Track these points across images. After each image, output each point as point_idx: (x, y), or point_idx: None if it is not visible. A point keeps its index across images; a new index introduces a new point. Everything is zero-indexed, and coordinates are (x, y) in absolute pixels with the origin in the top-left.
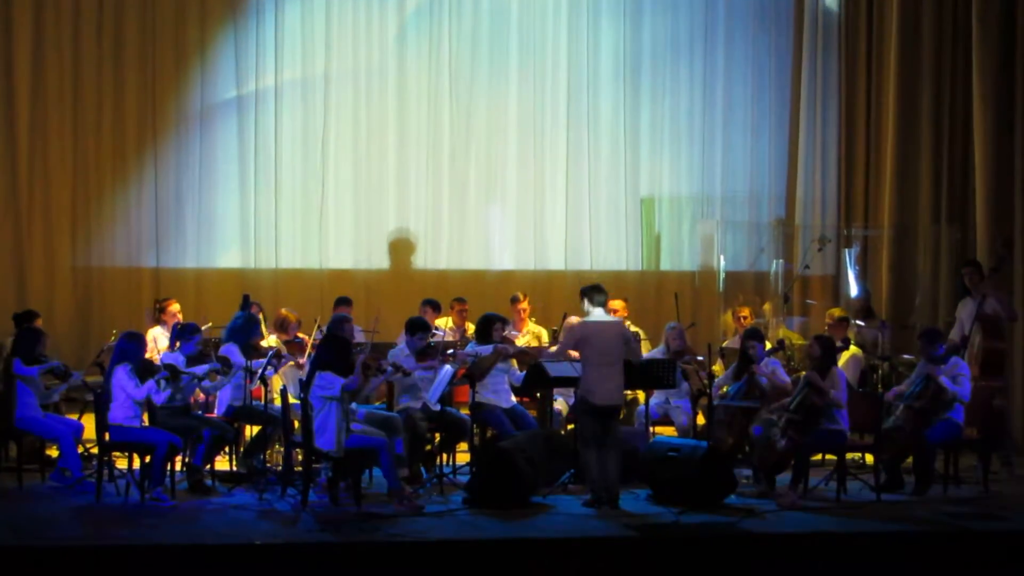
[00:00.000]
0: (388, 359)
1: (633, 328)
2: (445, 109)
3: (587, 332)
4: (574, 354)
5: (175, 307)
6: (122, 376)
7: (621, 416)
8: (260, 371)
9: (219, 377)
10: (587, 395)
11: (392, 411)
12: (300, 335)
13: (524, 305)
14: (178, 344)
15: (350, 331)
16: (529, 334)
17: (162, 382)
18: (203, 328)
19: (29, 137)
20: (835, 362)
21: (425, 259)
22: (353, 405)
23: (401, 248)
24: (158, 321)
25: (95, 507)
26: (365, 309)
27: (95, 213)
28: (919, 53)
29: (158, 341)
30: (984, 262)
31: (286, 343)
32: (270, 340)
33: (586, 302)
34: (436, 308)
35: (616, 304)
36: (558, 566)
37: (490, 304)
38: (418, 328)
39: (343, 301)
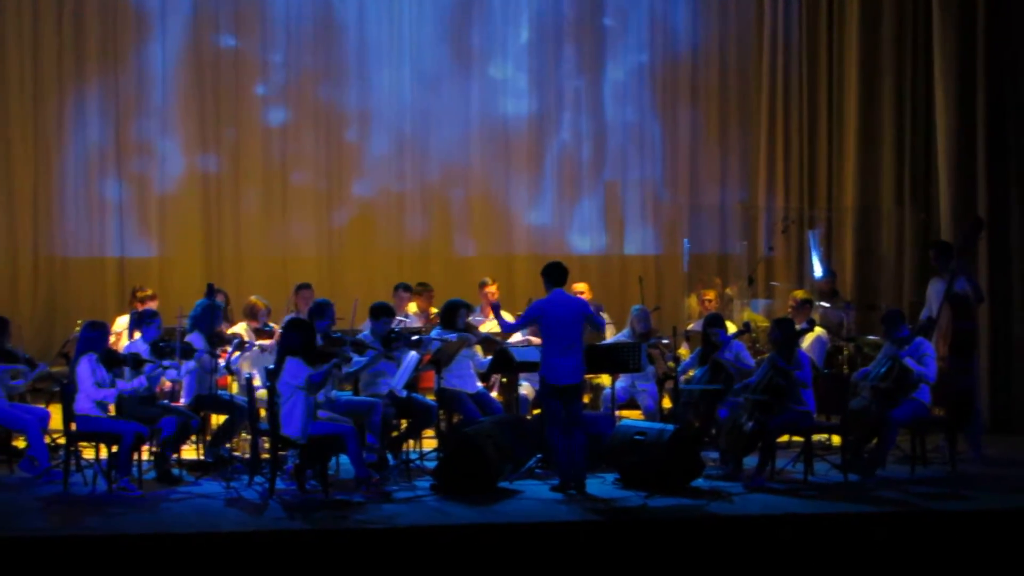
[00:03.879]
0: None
1: None
2: (407, 92)
3: (547, 311)
4: (536, 341)
5: (155, 304)
6: (85, 368)
7: (587, 400)
8: (227, 360)
9: (183, 363)
10: (548, 375)
11: (359, 396)
12: (270, 323)
13: (492, 289)
14: (138, 333)
15: (332, 315)
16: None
17: (133, 378)
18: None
19: None
20: (798, 344)
21: (388, 244)
22: (334, 393)
23: (364, 233)
24: (132, 310)
25: (63, 497)
26: (329, 294)
27: (58, 203)
28: (880, 35)
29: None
30: (950, 242)
31: (255, 331)
32: (238, 327)
33: (547, 281)
34: (408, 290)
35: (580, 287)
36: (526, 551)
37: (454, 289)
38: (382, 313)
39: (304, 286)
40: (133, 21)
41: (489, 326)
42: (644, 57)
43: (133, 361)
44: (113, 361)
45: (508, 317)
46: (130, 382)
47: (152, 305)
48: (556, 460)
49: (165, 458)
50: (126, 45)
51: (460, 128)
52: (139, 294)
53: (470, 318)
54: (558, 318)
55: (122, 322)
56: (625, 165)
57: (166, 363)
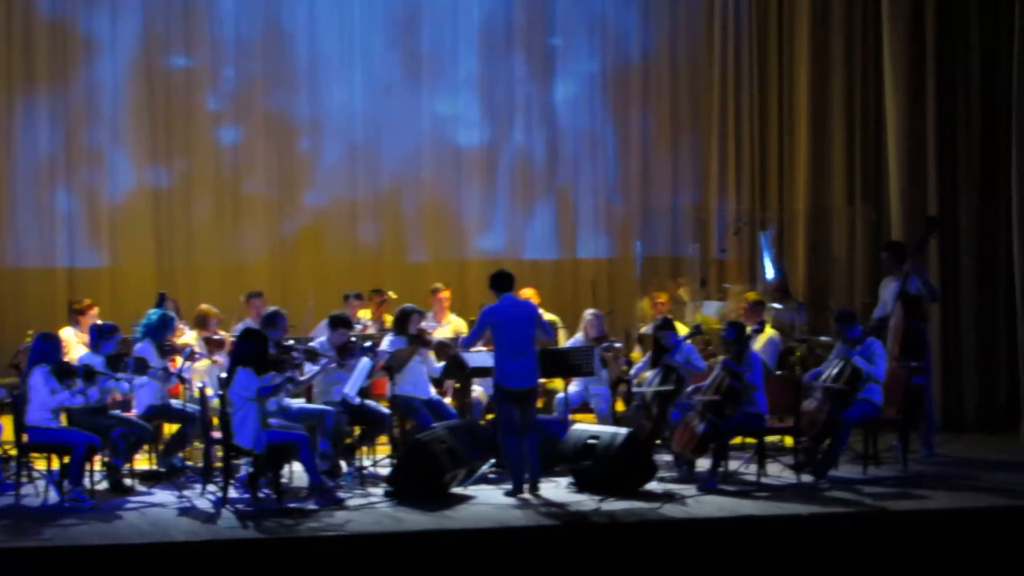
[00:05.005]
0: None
1: (549, 316)
2: (358, 97)
3: (498, 317)
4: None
5: (95, 311)
6: (38, 379)
7: (540, 404)
8: (178, 370)
9: (136, 378)
10: (501, 379)
11: (312, 404)
12: (220, 332)
13: (445, 295)
14: (98, 345)
15: (284, 325)
16: (449, 325)
17: (77, 394)
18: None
19: None
20: (749, 347)
21: (340, 251)
22: (286, 401)
23: (316, 241)
24: (73, 323)
25: (14, 508)
26: (281, 302)
27: (6, 213)
28: (830, 36)
29: (71, 343)
30: (901, 241)
31: (205, 339)
32: (189, 337)
33: (494, 290)
34: (359, 298)
35: (527, 292)
36: (480, 557)
37: (406, 294)
38: (339, 323)
39: (255, 295)
40: (82, 37)
41: (442, 332)
42: (594, 62)
43: (86, 373)
44: (65, 373)
45: (463, 328)
46: (84, 393)
47: (92, 313)
48: (510, 465)
49: (117, 468)
50: (75, 58)
51: (411, 136)
52: (76, 306)
53: (423, 324)
54: (509, 323)
55: (63, 334)
56: (577, 170)
57: (119, 375)
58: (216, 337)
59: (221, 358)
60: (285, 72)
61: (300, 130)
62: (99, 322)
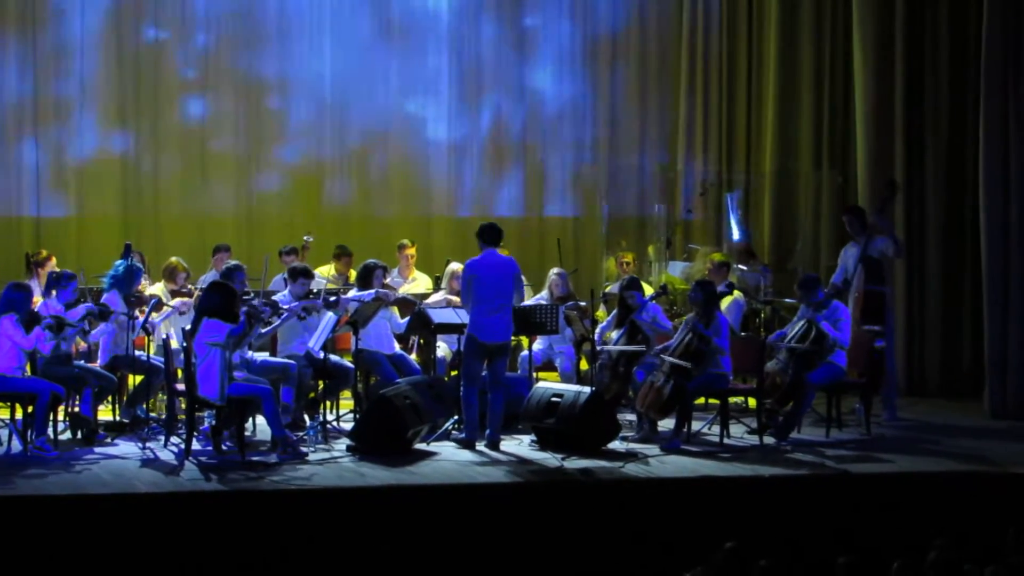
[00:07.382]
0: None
1: None
2: (327, 54)
3: (479, 271)
4: (456, 301)
5: (53, 261)
6: (7, 326)
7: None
8: (143, 321)
9: (100, 324)
10: (476, 332)
11: (276, 358)
12: (189, 286)
13: (411, 251)
14: (54, 292)
15: (242, 279)
16: (416, 281)
17: (48, 332)
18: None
19: None
20: (718, 307)
21: (308, 207)
22: (249, 354)
23: (284, 197)
24: (32, 275)
25: None
26: (248, 256)
27: None
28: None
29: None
30: (866, 207)
31: (173, 292)
32: (155, 288)
33: (480, 241)
34: (291, 254)
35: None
36: (442, 512)
37: (372, 250)
38: (299, 274)
39: (222, 248)
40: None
41: (408, 288)
42: (565, 22)
43: (56, 324)
44: (34, 323)
45: (430, 285)
46: (49, 342)
47: (50, 264)
48: (466, 416)
49: (88, 420)
50: (43, 20)
51: (380, 93)
52: (35, 258)
53: (388, 279)
54: (490, 278)
55: None
56: (544, 128)
57: (83, 325)
58: (184, 290)
59: (187, 309)
60: (255, 30)
61: (269, 88)
62: (56, 269)
